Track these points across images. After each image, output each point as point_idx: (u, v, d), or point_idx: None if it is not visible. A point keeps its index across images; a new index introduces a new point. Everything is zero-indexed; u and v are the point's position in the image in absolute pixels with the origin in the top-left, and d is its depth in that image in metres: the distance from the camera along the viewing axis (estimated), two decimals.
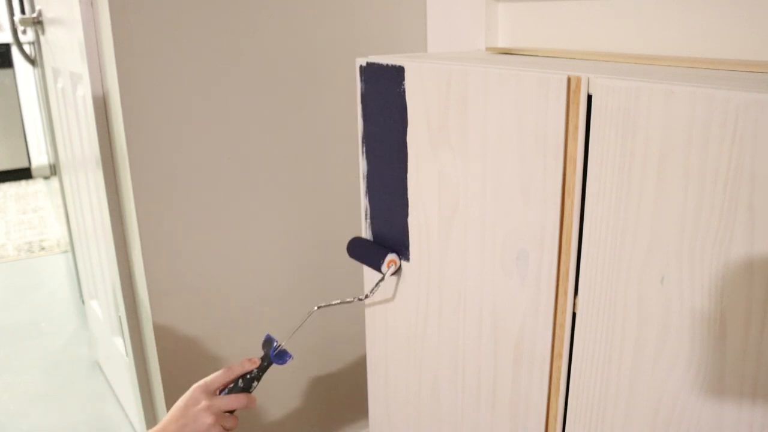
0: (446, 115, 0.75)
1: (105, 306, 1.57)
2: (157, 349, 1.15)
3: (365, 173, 0.90)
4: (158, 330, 1.14)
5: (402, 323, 0.91)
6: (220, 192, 1.14)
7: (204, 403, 0.82)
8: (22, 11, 1.68)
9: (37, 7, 1.58)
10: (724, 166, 0.50)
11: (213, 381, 0.84)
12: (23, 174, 3.94)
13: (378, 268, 0.87)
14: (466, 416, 0.84)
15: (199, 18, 1.05)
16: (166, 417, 0.83)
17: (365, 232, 0.93)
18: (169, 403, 1.19)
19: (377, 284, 0.87)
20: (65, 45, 1.33)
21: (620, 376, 0.62)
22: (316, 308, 0.89)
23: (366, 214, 0.92)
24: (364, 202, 0.92)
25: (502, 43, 1.08)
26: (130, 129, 1.04)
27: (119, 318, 1.38)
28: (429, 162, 0.80)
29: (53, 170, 2.35)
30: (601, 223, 0.61)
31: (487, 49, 1.06)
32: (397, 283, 0.90)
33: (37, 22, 1.59)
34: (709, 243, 0.52)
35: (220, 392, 0.85)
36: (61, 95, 1.53)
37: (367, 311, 0.98)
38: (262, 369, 0.86)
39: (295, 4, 1.13)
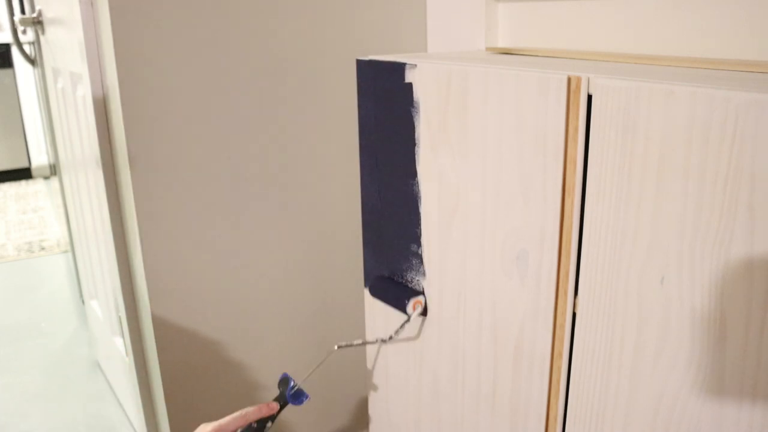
0: (446, 115, 0.75)
1: (105, 306, 1.57)
2: (157, 350, 1.15)
3: (364, 175, 0.90)
4: (158, 330, 1.14)
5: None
6: (221, 192, 1.14)
7: None
8: (22, 11, 1.68)
9: (37, 7, 1.58)
10: (724, 166, 0.50)
11: (226, 425, 0.80)
12: (23, 174, 3.94)
13: (403, 310, 0.85)
14: (466, 416, 0.84)
15: (199, 18, 1.05)
16: None
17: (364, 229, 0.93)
18: (170, 403, 1.19)
19: (402, 326, 0.85)
20: (65, 45, 1.33)
21: (620, 376, 0.62)
22: (336, 347, 0.87)
23: (364, 211, 0.92)
24: (362, 199, 0.92)
25: (502, 43, 1.08)
26: (130, 129, 1.04)
27: (119, 318, 1.38)
28: (429, 162, 0.80)
29: (53, 170, 2.35)
30: (601, 223, 0.61)
31: (487, 49, 1.06)
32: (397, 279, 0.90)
33: (37, 22, 1.59)
34: (709, 243, 0.52)
35: None
36: (61, 95, 1.53)
37: (367, 312, 0.98)
38: (279, 409, 0.84)
39: (295, 4, 1.13)
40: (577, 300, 0.65)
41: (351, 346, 0.84)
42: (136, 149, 1.05)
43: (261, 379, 1.29)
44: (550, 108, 0.63)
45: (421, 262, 0.85)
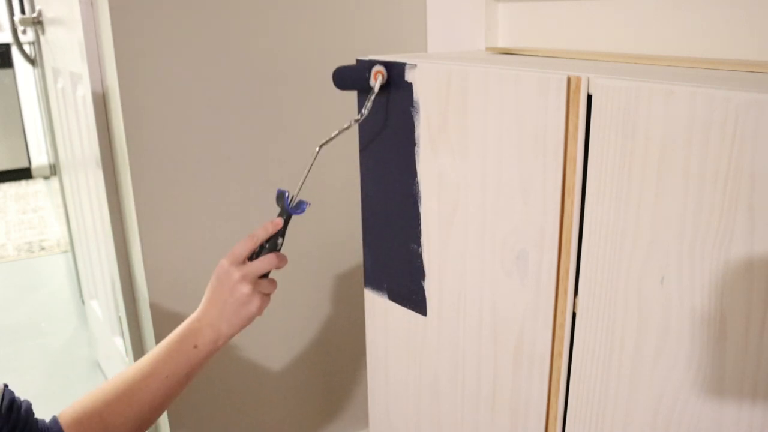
0: (446, 115, 0.75)
1: (105, 306, 1.57)
2: None
3: (363, 175, 0.90)
4: (158, 330, 1.14)
5: (402, 323, 0.91)
6: (221, 192, 1.14)
7: (236, 274, 0.79)
8: (22, 11, 1.68)
9: (37, 7, 1.58)
10: (724, 166, 0.50)
11: (239, 250, 0.81)
12: (23, 174, 3.94)
13: (367, 86, 0.83)
14: (466, 416, 0.84)
15: (199, 18, 1.05)
16: (203, 300, 0.81)
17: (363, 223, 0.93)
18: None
19: (369, 100, 0.82)
20: (65, 45, 1.33)
21: (620, 376, 0.62)
22: (317, 149, 0.83)
23: (364, 209, 0.92)
24: (362, 199, 0.92)
25: (502, 43, 1.08)
26: (130, 129, 1.04)
27: (119, 318, 1.38)
28: (429, 162, 0.80)
29: (53, 170, 2.35)
30: (601, 223, 0.61)
31: (487, 49, 1.06)
32: (398, 281, 0.90)
33: (37, 22, 1.59)
34: (709, 243, 0.52)
35: (249, 260, 0.82)
36: (61, 95, 1.53)
37: (367, 312, 0.98)
38: (285, 223, 0.84)
39: (295, 4, 1.13)
40: (577, 300, 0.65)
41: (330, 139, 0.83)
42: (136, 149, 1.05)
43: (260, 375, 1.29)
44: (550, 108, 0.63)
45: (421, 261, 0.85)
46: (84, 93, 1.23)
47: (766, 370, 0.51)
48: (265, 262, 0.81)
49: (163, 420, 1.24)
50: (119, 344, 1.48)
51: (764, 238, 0.49)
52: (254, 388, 1.28)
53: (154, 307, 1.13)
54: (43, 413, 0.77)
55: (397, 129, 0.83)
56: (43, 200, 3.55)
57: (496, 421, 0.79)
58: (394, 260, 0.90)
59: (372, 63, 0.82)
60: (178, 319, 1.15)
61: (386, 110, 0.84)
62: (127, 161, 1.05)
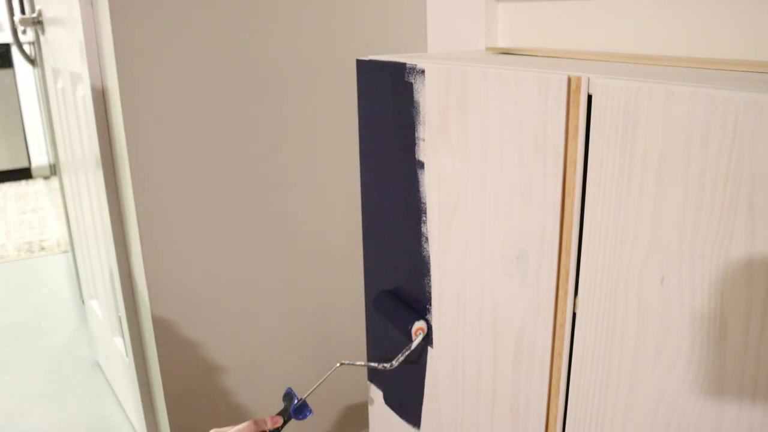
0: (446, 115, 0.75)
1: (105, 306, 1.57)
2: (157, 349, 1.15)
3: (364, 175, 0.90)
4: (158, 330, 1.14)
5: None
6: (220, 192, 1.14)
7: None
8: (22, 11, 1.68)
9: (37, 7, 1.58)
10: (724, 166, 0.50)
11: None
12: (23, 174, 3.94)
13: (407, 335, 0.85)
14: (466, 416, 0.84)
15: (199, 18, 1.05)
16: None
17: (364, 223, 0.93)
18: (169, 402, 1.19)
19: (404, 353, 0.85)
20: (65, 45, 1.33)
21: (620, 376, 0.62)
22: (338, 365, 0.88)
23: (364, 212, 0.92)
24: (362, 203, 0.92)
25: (502, 43, 1.08)
26: (130, 129, 1.04)
27: (119, 318, 1.38)
28: (429, 162, 0.80)
29: (53, 170, 2.35)
30: (601, 223, 0.61)
31: (487, 49, 1.06)
32: (395, 284, 0.90)
33: (37, 22, 1.59)
34: (709, 243, 0.52)
35: None
36: (61, 95, 1.53)
37: (367, 312, 0.98)
38: (283, 423, 0.85)
39: (295, 4, 1.13)
40: (577, 300, 0.65)
41: (354, 365, 0.85)
42: (136, 149, 1.05)
43: (261, 377, 1.29)
44: (550, 108, 0.63)
45: (422, 261, 0.85)
46: (84, 93, 1.23)
47: (766, 370, 0.51)
48: None
49: (163, 420, 1.24)
50: (119, 344, 1.48)
51: (764, 238, 0.49)
52: (254, 387, 1.28)
53: (154, 307, 1.13)
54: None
55: (397, 129, 0.83)
56: (43, 200, 3.55)
57: (496, 421, 0.79)
58: (394, 260, 0.90)
59: (415, 319, 0.84)
60: (178, 319, 1.15)
61: (386, 110, 0.84)
62: (127, 161, 1.05)
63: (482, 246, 0.75)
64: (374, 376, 1.00)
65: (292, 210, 1.22)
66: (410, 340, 0.85)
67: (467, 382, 0.82)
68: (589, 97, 0.60)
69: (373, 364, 0.85)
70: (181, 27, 1.04)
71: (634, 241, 0.58)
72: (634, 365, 0.61)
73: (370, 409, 1.04)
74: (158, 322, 1.14)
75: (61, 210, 2.11)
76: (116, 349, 1.51)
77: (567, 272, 0.66)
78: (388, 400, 0.98)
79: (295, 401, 0.85)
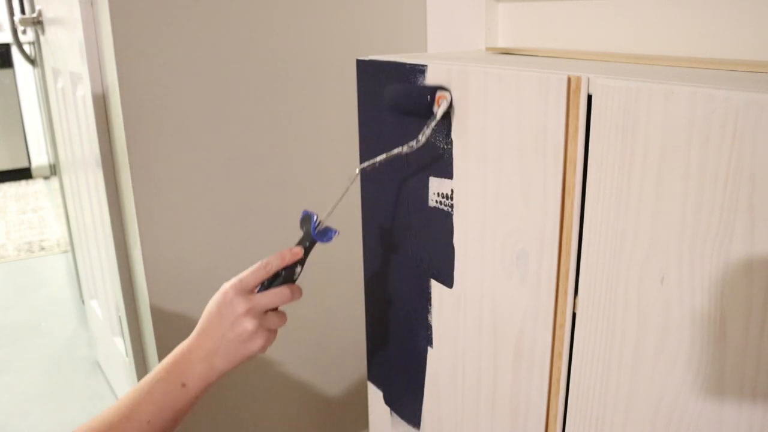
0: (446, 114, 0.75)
1: (105, 306, 1.57)
2: (157, 350, 1.15)
3: (363, 174, 0.90)
4: (158, 330, 1.14)
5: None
6: (221, 192, 1.14)
7: (241, 307, 0.68)
8: (22, 11, 1.68)
9: (37, 7, 1.58)
10: (724, 166, 0.50)
11: (248, 278, 0.70)
12: (23, 174, 3.94)
13: (428, 109, 0.73)
14: (466, 416, 0.84)
15: (199, 18, 1.05)
16: (197, 329, 0.70)
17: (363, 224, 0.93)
18: None
19: (429, 125, 0.72)
20: (65, 45, 1.33)
21: (620, 376, 0.62)
22: (357, 171, 0.74)
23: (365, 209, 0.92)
24: (362, 202, 0.92)
25: (502, 43, 1.08)
26: (130, 129, 1.04)
27: (119, 318, 1.38)
28: None
29: (53, 170, 2.35)
30: (601, 223, 0.61)
31: (487, 49, 1.06)
32: (397, 284, 0.90)
33: (37, 22, 1.59)
34: (709, 243, 0.52)
35: (258, 289, 0.72)
36: (61, 95, 1.53)
37: (367, 311, 0.98)
38: (306, 251, 0.73)
39: (295, 4, 1.13)
40: (577, 300, 0.65)
41: (373, 163, 0.72)
42: (136, 149, 1.05)
43: (260, 377, 1.29)
44: (550, 108, 0.63)
45: (422, 262, 0.85)
46: (84, 93, 1.23)
47: (766, 370, 0.51)
48: (276, 296, 0.71)
49: None
50: (119, 344, 1.48)
51: (764, 238, 0.49)
52: (253, 387, 1.28)
53: (154, 307, 1.13)
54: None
55: (397, 129, 0.83)
56: (43, 200, 3.55)
57: (496, 421, 0.79)
58: (394, 260, 0.90)
59: (432, 89, 0.74)
60: (178, 319, 1.15)
61: (386, 110, 0.84)
62: (127, 161, 1.05)
63: (482, 246, 0.75)
64: (374, 375, 1.00)
65: (292, 210, 1.22)
66: (431, 114, 0.74)
67: (467, 382, 0.82)
68: (589, 97, 0.60)
69: (395, 150, 0.73)
70: (181, 27, 1.04)
71: (634, 241, 0.58)
72: (634, 365, 0.61)
73: (370, 409, 1.04)
74: (158, 322, 1.14)
75: (61, 210, 2.11)
76: (116, 349, 1.51)
77: (567, 272, 0.66)
78: (388, 400, 0.98)
79: (315, 220, 0.73)
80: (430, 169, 0.79)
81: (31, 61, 1.89)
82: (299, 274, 0.73)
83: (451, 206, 0.77)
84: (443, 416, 0.88)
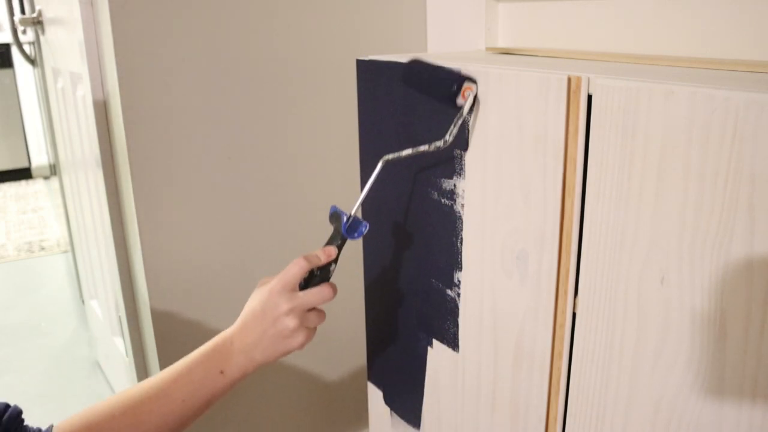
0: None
1: (105, 306, 1.57)
2: (157, 350, 1.15)
3: (364, 174, 0.90)
4: (158, 330, 1.14)
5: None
6: (221, 192, 1.14)
7: (285, 306, 0.70)
8: (22, 11, 1.68)
9: (37, 7, 1.58)
10: (724, 166, 0.50)
11: (292, 277, 0.71)
12: (23, 174, 3.94)
13: (452, 101, 0.69)
14: (466, 416, 0.84)
15: (199, 18, 1.05)
16: (239, 321, 0.72)
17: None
18: None
19: (455, 123, 0.68)
20: (65, 45, 1.33)
21: (620, 376, 0.62)
22: (381, 162, 0.72)
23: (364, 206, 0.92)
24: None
25: (502, 43, 1.08)
26: (130, 129, 1.04)
27: (119, 318, 1.38)
28: None
29: (53, 170, 2.35)
30: (601, 223, 0.61)
31: (487, 49, 1.06)
32: (398, 284, 0.90)
33: (37, 22, 1.59)
34: (709, 243, 0.52)
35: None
36: (61, 95, 1.53)
37: (367, 311, 0.98)
38: (338, 249, 0.75)
39: (295, 4, 1.13)
40: (577, 300, 0.65)
41: (399, 157, 0.70)
42: (136, 149, 1.05)
43: (260, 377, 1.29)
44: (550, 108, 0.63)
45: (422, 261, 0.85)
46: (84, 93, 1.23)
47: (766, 370, 0.51)
48: (318, 295, 0.72)
49: None
50: (119, 344, 1.48)
51: (764, 238, 0.49)
52: (253, 387, 1.28)
53: (154, 307, 1.13)
54: (43, 413, 0.76)
55: (397, 129, 0.83)
56: (43, 200, 3.55)
57: (496, 421, 0.79)
58: (394, 260, 0.90)
59: (461, 77, 0.69)
60: (178, 319, 1.15)
61: (386, 110, 0.84)
62: (127, 161, 1.05)
63: (482, 246, 0.75)
64: (374, 375, 1.00)
65: (292, 210, 1.22)
66: (455, 106, 0.70)
67: (467, 382, 0.82)
68: (589, 97, 0.60)
69: (422, 147, 0.70)
70: (182, 26, 1.04)
71: (633, 241, 0.58)
72: (634, 365, 0.61)
73: (370, 409, 1.04)
74: (158, 322, 1.14)
75: (61, 210, 2.11)
76: (116, 349, 1.51)
77: (567, 272, 0.66)
78: (388, 400, 0.98)
79: (344, 219, 0.72)
80: (430, 169, 0.79)
81: (31, 61, 1.89)
82: (333, 272, 0.75)
83: (451, 206, 0.77)
84: (443, 416, 0.88)
